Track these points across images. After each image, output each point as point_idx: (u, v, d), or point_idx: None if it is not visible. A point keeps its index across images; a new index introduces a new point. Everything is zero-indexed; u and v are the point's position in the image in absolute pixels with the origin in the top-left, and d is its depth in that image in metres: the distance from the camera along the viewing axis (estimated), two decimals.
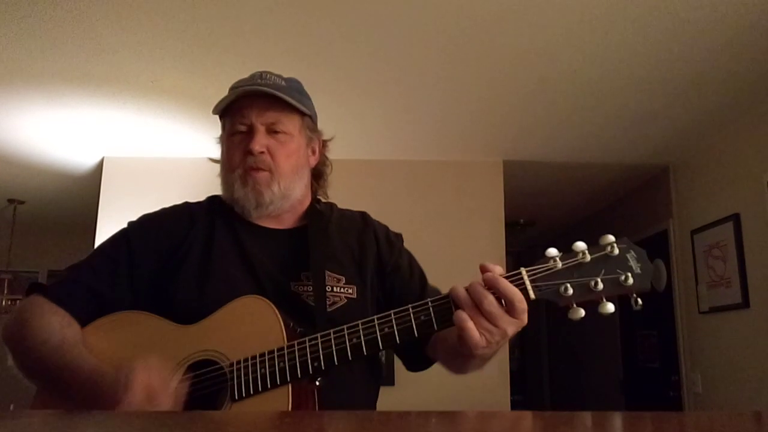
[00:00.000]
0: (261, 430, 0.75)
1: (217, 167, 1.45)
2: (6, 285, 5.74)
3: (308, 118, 1.40)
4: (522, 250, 7.76)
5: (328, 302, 1.26)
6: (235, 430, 0.73)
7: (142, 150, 4.37)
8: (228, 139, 1.37)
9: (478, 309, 1.02)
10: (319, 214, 1.41)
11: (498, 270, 1.06)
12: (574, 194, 5.45)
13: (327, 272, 1.29)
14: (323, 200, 1.48)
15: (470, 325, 1.01)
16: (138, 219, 1.37)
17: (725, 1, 2.54)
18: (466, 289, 1.05)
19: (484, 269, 1.07)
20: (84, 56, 3.05)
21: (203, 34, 2.84)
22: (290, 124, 1.35)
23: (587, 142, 4.14)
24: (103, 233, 4.24)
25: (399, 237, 1.48)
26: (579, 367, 6.52)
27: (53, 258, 6.26)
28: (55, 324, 1.18)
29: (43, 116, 3.77)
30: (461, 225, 4.44)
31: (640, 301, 1.02)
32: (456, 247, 4.36)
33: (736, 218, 3.70)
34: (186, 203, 1.42)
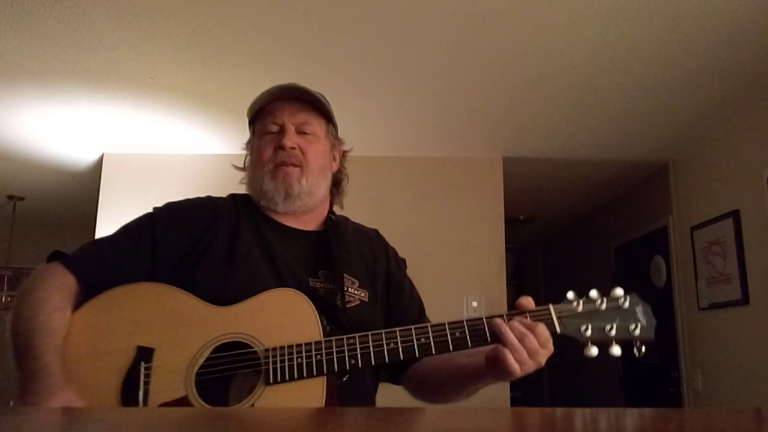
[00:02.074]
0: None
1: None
2: (6, 281, 5.75)
3: (332, 126, 1.50)
4: (522, 246, 7.77)
5: (345, 300, 1.33)
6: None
7: (141, 146, 4.37)
8: (259, 139, 1.44)
9: (520, 343, 1.13)
10: (337, 223, 1.49)
11: (530, 303, 1.21)
12: (574, 191, 5.45)
13: (345, 274, 1.37)
14: (337, 213, 1.55)
15: (512, 359, 1.13)
16: (164, 206, 1.41)
17: None
18: (508, 325, 1.15)
19: (519, 306, 1.21)
20: (83, 53, 3.04)
21: (202, 31, 2.84)
22: (318, 126, 1.44)
23: (587, 139, 4.14)
24: (102, 229, 4.24)
25: (404, 261, 1.57)
26: (578, 364, 6.52)
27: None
28: (50, 304, 1.19)
29: (43, 113, 3.77)
30: (461, 221, 4.44)
31: (644, 349, 1.18)
32: (456, 243, 4.37)
33: (735, 215, 3.70)
34: (209, 197, 1.47)
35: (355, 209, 1.61)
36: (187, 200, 1.44)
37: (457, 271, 4.29)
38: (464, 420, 0.73)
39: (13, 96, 3.54)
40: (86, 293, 1.24)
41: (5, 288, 5.71)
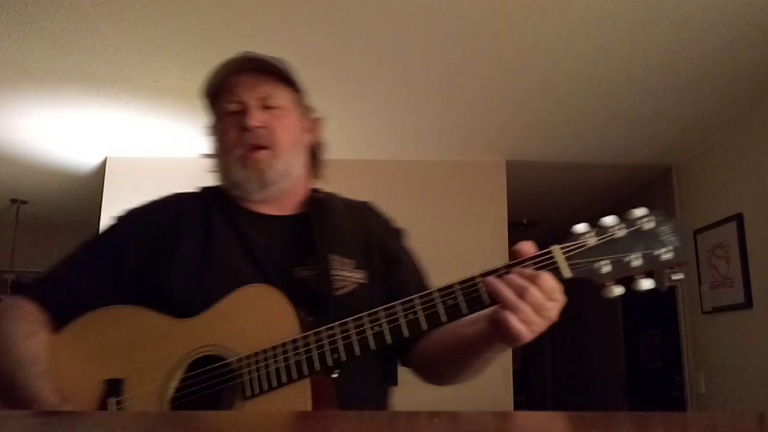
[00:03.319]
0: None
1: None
2: (9, 285, 5.76)
3: (299, 93, 1.35)
4: None
5: (335, 286, 1.19)
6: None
7: (145, 150, 4.37)
8: (222, 122, 1.30)
9: (521, 300, 0.95)
10: (321, 201, 1.34)
11: (531, 249, 1.02)
12: (578, 194, 5.44)
13: (334, 256, 1.22)
14: (322, 190, 1.41)
15: (515, 320, 0.94)
16: (125, 212, 1.31)
17: (728, 1, 2.54)
18: (504, 281, 0.97)
19: (516, 253, 1.02)
20: (87, 56, 3.05)
21: (206, 34, 2.84)
22: (283, 98, 1.30)
23: (590, 142, 4.14)
24: None
25: (402, 231, 1.42)
26: (582, 367, 6.51)
27: (56, 258, 6.25)
28: (20, 333, 1.11)
29: (46, 116, 3.78)
30: (464, 225, 4.44)
31: (681, 276, 0.96)
32: (459, 247, 4.36)
33: (739, 218, 3.70)
34: (176, 193, 1.34)
35: None
36: (151, 201, 1.32)
37: (460, 275, 4.27)
38: (466, 424, 0.73)
39: (17, 99, 3.55)
40: (52, 317, 1.15)
41: (8, 292, 5.72)
